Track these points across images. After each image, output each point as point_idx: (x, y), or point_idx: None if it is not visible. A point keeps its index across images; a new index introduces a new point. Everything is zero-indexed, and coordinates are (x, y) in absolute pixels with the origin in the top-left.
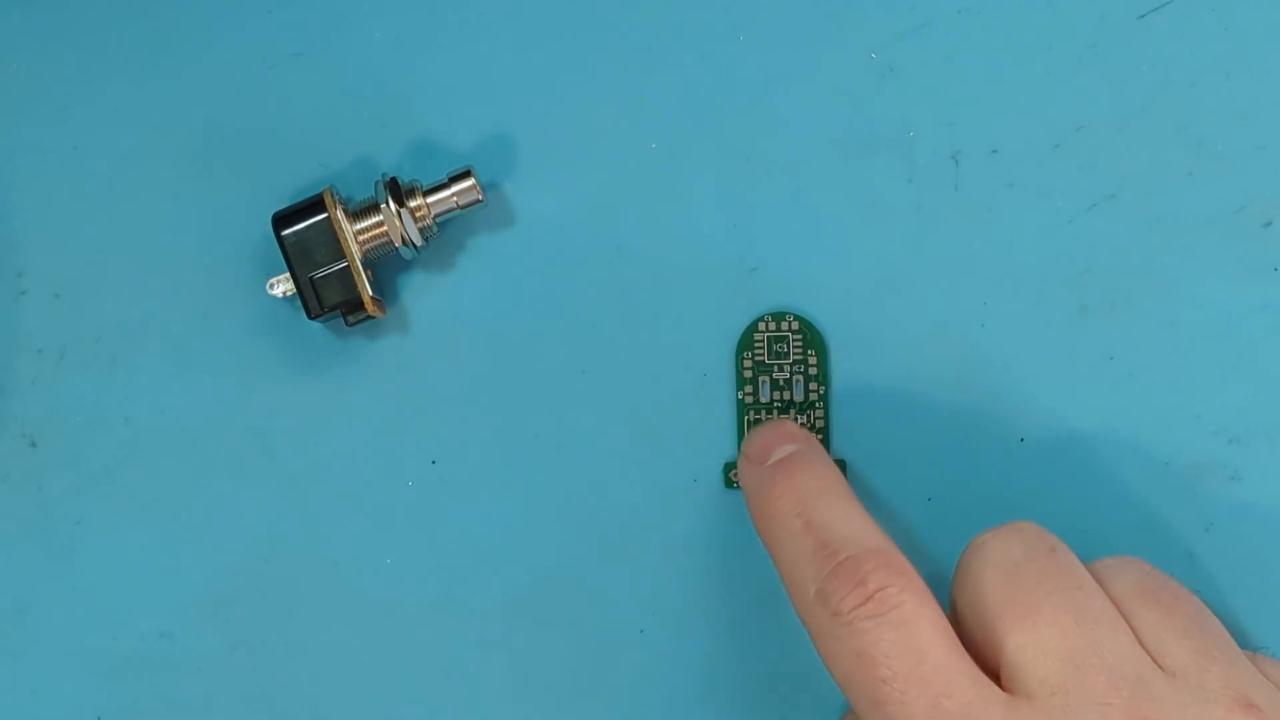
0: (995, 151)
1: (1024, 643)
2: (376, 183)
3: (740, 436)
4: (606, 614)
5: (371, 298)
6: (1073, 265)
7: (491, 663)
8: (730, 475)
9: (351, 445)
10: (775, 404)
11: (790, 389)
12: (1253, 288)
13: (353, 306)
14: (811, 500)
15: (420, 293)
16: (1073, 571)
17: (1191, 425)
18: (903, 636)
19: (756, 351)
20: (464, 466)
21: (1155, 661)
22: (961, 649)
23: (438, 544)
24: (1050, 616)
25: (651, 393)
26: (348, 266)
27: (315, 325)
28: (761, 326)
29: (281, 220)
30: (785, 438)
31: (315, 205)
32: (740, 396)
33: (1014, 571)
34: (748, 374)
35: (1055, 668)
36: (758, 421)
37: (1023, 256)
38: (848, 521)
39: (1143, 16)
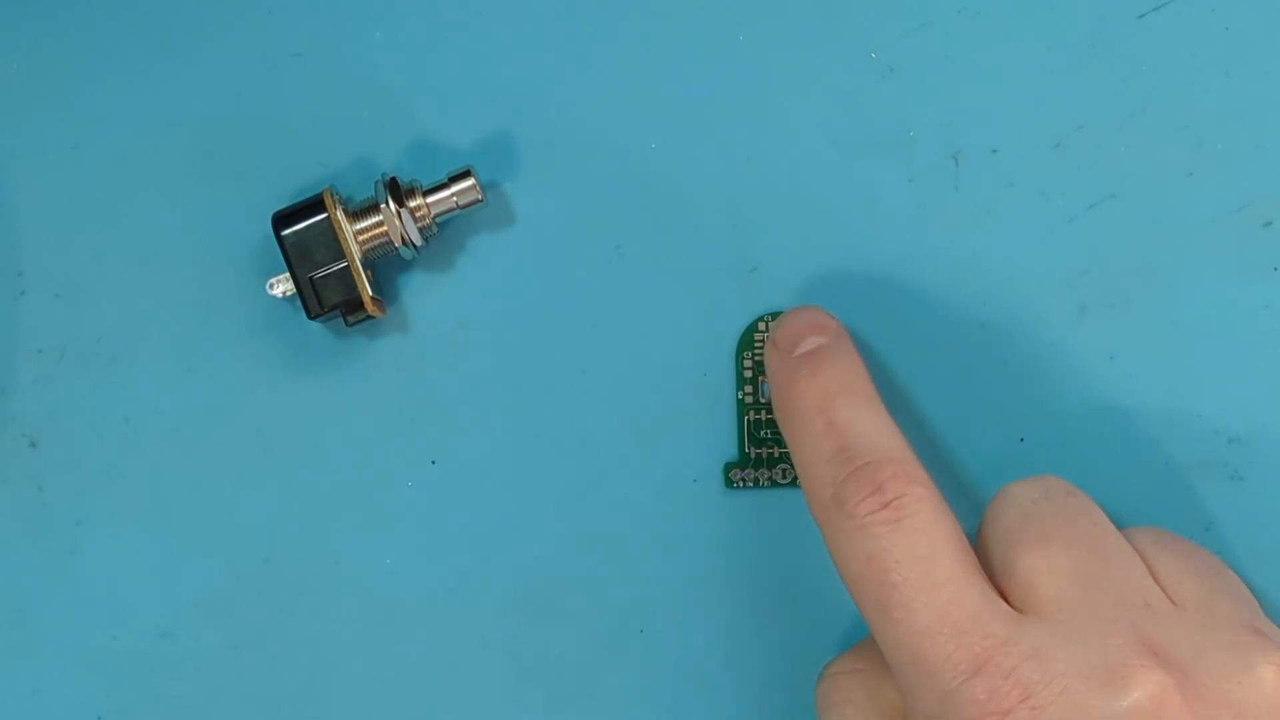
0: (995, 151)
1: (1036, 564)
2: (376, 183)
3: (740, 436)
4: (606, 614)
5: (371, 298)
6: (1073, 265)
7: (491, 662)
8: (730, 475)
9: (351, 445)
10: None
11: None
12: (1253, 288)
13: (353, 306)
14: (835, 400)
15: (420, 293)
16: (1091, 511)
17: (1191, 425)
18: (915, 543)
19: (756, 351)
20: (464, 466)
21: (1167, 595)
22: (974, 563)
23: (438, 544)
24: (1063, 544)
25: (651, 393)
26: (348, 266)
27: (315, 325)
28: (761, 326)
29: (281, 220)
30: (815, 328)
31: (315, 205)
32: (740, 396)
33: (1032, 509)
34: (748, 374)
35: (1064, 587)
36: (758, 422)
37: (1023, 256)
38: (870, 426)
39: (1143, 16)
